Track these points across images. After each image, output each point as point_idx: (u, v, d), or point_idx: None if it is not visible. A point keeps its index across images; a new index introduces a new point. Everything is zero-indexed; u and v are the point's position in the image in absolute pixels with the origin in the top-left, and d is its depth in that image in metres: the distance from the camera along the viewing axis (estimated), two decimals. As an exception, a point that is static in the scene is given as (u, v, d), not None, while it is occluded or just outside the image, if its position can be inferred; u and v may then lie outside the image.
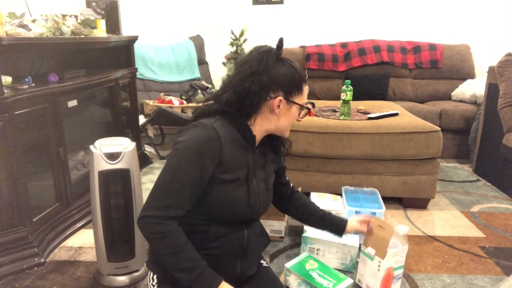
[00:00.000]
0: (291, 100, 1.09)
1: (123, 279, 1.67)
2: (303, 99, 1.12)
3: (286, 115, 1.11)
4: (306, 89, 1.13)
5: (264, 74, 1.04)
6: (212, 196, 1.04)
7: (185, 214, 1.03)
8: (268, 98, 1.07)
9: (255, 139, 1.11)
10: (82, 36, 2.25)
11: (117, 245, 1.65)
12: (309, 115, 2.54)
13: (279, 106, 1.08)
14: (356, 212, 1.94)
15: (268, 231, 1.58)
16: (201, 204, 1.05)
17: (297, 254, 1.77)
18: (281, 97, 1.07)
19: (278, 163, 1.29)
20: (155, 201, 1.00)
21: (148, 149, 3.50)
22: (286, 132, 1.17)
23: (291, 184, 1.43)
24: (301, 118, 1.16)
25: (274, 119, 1.10)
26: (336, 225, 1.41)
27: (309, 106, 1.12)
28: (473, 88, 3.45)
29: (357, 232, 1.47)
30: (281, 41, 1.09)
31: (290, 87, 1.08)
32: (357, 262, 1.69)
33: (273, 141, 1.23)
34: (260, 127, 1.11)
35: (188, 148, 0.99)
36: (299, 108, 1.12)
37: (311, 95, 3.79)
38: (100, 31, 2.50)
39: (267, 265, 1.34)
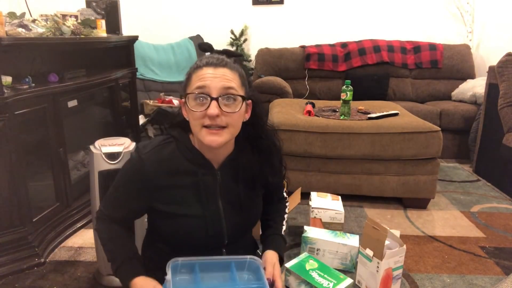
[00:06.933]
0: (184, 94, 0.92)
1: (123, 279, 1.67)
2: (191, 86, 0.91)
3: (188, 114, 0.93)
4: (197, 75, 0.91)
5: None
6: (165, 228, 0.99)
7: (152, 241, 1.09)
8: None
9: (205, 158, 0.97)
10: (82, 36, 2.25)
11: (117, 245, 1.64)
12: (309, 115, 2.55)
13: (185, 107, 0.94)
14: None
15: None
16: (163, 237, 1.04)
17: (297, 254, 1.76)
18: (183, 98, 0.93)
19: (263, 179, 1.05)
20: (106, 201, 1.06)
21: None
22: (202, 138, 0.91)
23: (286, 200, 1.25)
24: (194, 109, 0.89)
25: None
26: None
27: (196, 91, 0.88)
28: (473, 88, 3.45)
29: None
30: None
31: (185, 82, 0.95)
32: (357, 263, 1.69)
33: (254, 153, 1.03)
34: (197, 140, 0.95)
35: (122, 178, 1.00)
36: (188, 97, 0.91)
37: (311, 95, 3.79)
38: (100, 31, 2.49)
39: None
